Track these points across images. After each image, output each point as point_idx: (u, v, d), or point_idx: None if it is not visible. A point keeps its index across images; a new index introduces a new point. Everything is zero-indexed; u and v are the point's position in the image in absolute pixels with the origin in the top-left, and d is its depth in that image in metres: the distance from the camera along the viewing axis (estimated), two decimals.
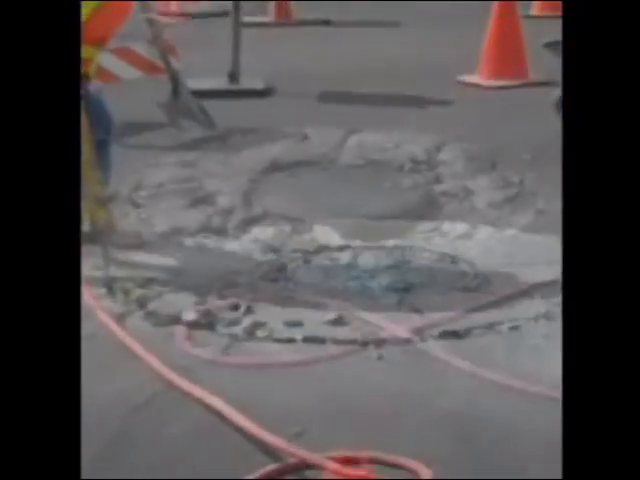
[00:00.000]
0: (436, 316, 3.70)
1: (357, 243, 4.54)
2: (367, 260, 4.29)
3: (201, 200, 4.86)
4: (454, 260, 4.37)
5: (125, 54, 5.87)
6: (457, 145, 5.60)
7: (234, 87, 7.18)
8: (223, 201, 4.80)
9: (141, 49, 5.87)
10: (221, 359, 3.39)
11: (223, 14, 8.49)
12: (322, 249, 4.47)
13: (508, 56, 7.17)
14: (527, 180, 5.18)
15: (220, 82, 7.16)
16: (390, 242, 4.58)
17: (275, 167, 5.30)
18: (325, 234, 4.54)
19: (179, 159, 5.31)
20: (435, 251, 4.44)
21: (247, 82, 7.26)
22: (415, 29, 9.62)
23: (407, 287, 4.01)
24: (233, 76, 7.21)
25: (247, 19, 8.16)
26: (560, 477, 2.10)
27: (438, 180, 5.27)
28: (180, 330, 3.59)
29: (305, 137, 5.77)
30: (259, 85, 7.27)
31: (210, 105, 5.99)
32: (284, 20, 10.56)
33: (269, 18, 10.66)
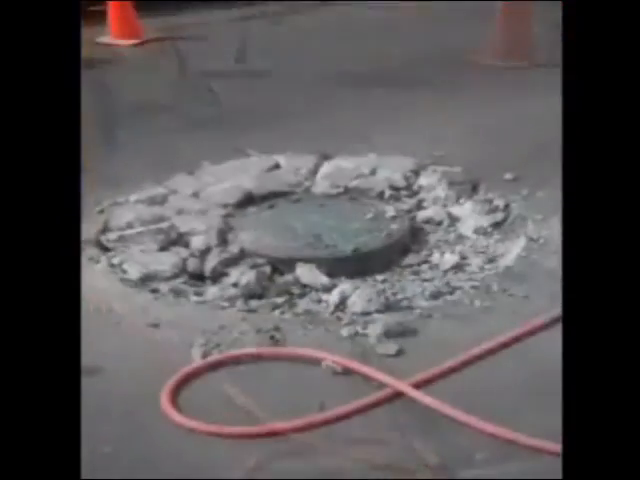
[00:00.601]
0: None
1: (343, 281, 4.34)
2: (357, 300, 4.08)
3: (173, 242, 4.61)
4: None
5: None
6: (436, 168, 5.39)
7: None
8: (197, 242, 4.57)
9: None
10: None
11: None
12: (307, 291, 4.27)
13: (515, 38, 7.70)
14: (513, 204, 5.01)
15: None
16: (379, 277, 4.39)
17: (249, 200, 5.07)
18: (309, 273, 4.34)
19: (145, 195, 5.05)
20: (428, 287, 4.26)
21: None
22: None
23: (405, 331, 3.81)
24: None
25: None
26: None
27: (420, 207, 5.08)
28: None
29: (276, 165, 5.54)
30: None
31: None
32: None
33: None
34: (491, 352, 3.62)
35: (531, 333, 3.66)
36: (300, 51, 8.08)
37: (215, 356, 3.68)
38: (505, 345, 3.66)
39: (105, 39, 8.56)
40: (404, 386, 3.41)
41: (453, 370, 3.55)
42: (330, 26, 8.88)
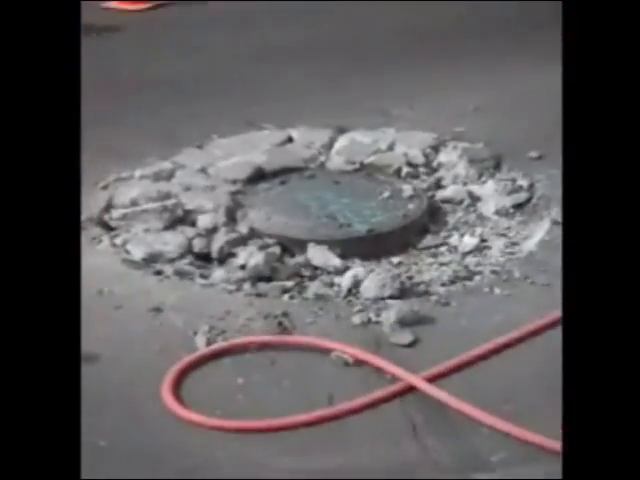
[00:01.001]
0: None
1: (357, 263, 4.20)
2: (370, 285, 3.94)
3: (180, 220, 4.47)
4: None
5: None
6: (457, 144, 5.23)
7: None
8: (204, 220, 4.43)
9: None
10: None
11: None
12: (318, 273, 4.13)
13: None
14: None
15: None
16: (394, 260, 4.25)
17: (260, 175, 4.92)
18: (321, 254, 4.20)
19: (151, 171, 4.91)
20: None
21: None
22: None
23: (420, 319, 3.67)
24: None
25: None
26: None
27: (439, 185, 4.93)
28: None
29: (289, 139, 5.38)
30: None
31: None
32: None
33: None
34: (511, 344, 3.48)
35: (553, 325, 3.51)
36: (313, 20, 7.89)
37: (220, 344, 3.56)
38: (526, 337, 3.52)
39: (112, 4, 8.35)
40: (417, 380, 3.28)
41: (470, 363, 3.42)
42: None
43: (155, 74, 6.54)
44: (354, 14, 7.89)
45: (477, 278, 4.10)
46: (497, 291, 3.92)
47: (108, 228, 4.51)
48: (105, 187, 4.88)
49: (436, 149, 5.24)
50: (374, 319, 3.72)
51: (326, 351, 3.49)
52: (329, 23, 7.71)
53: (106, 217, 4.57)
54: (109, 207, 4.66)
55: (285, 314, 3.74)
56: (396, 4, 7.91)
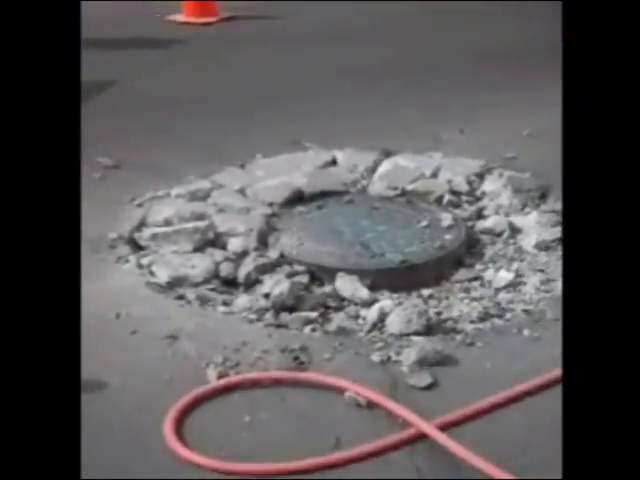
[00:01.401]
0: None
1: (385, 295, 4.02)
2: (396, 319, 3.75)
3: (210, 242, 4.33)
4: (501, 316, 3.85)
5: None
6: (503, 172, 5.01)
7: None
8: (235, 244, 4.28)
9: None
10: None
11: None
12: (344, 305, 3.96)
13: None
14: None
15: None
16: (425, 292, 4.06)
17: (297, 198, 4.76)
18: (349, 285, 4.02)
19: (188, 190, 4.78)
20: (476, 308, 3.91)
21: None
22: None
23: (442, 360, 3.47)
24: None
25: None
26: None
27: (481, 215, 4.71)
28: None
29: (334, 161, 5.21)
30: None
31: None
32: None
33: None
34: (532, 393, 3.25)
35: None
36: (368, 39, 7.72)
37: (230, 378, 3.40)
38: (548, 385, 3.29)
39: (177, 17, 8.29)
40: (429, 427, 3.08)
41: (487, 411, 3.21)
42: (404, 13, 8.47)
43: (206, 90, 6.47)
44: (408, 34, 7.73)
45: (508, 316, 3.88)
46: (526, 333, 3.70)
47: (137, 247, 4.38)
48: (140, 205, 4.76)
49: (481, 177, 5.02)
50: (394, 358, 3.53)
51: (339, 390, 3.30)
52: (382, 43, 7.55)
53: (137, 236, 4.43)
54: (141, 226, 4.53)
55: (303, 348, 3.57)
56: (451, 26, 7.75)
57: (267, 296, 3.96)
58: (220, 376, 3.41)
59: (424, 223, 4.52)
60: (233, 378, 3.38)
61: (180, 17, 8.25)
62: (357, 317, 3.89)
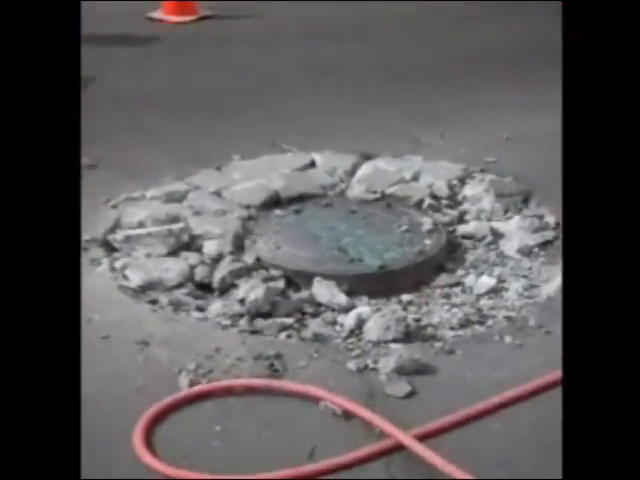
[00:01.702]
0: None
1: (363, 301, 3.94)
2: (374, 326, 3.67)
3: (185, 246, 4.24)
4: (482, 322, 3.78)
5: None
6: (484, 177, 4.94)
7: None
8: (210, 247, 4.19)
9: None
10: None
11: None
12: (321, 311, 3.87)
13: None
14: None
15: None
16: (404, 298, 3.98)
17: (274, 201, 4.67)
18: (326, 290, 3.94)
19: (164, 191, 4.68)
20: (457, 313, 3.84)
21: None
22: None
23: (420, 369, 3.39)
24: None
25: None
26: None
27: (462, 220, 4.64)
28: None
29: (312, 163, 5.13)
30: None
31: None
32: None
33: None
34: (512, 402, 3.17)
35: (558, 383, 3.20)
36: (347, 40, 7.64)
37: (202, 386, 3.31)
38: (531, 394, 3.21)
39: (156, 14, 8.21)
40: (407, 438, 3.00)
41: (466, 421, 3.13)
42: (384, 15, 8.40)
43: (184, 89, 6.37)
44: (390, 35, 7.66)
45: (489, 323, 3.81)
46: (508, 340, 3.63)
47: (111, 250, 4.28)
48: (115, 206, 4.66)
49: (463, 181, 4.95)
50: (371, 365, 3.45)
51: (315, 399, 3.21)
52: (363, 44, 7.48)
53: (110, 238, 4.34)
54: (115, 227, 4.44)
55: (278, 355, 3.49)
56: (433, 28, 7.68)
57: (242, 301, 3.88)
58: (192, 383, 3.33)
59: (404, 227, 4.45)
60: (205, 386, 3.30)
61: (159, 14, 8.16)
62: (334, 323, 3.82)
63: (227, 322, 3.75)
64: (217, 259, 4.17)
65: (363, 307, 3.86)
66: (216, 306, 3.84)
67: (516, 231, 4.48)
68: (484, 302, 3.99)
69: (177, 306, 3.84)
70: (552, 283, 4.04)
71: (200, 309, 3.86)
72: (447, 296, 4.05)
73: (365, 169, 5.05)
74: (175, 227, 4.34)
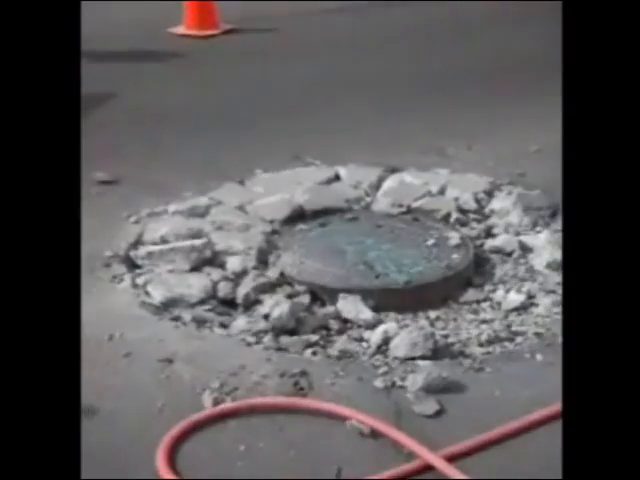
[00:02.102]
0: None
1: (390, 317, 3.89)
2: (400, 343, 3.61)
3: (208, 261, 4.20)
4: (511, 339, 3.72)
5: None
6: (512, 189, 4.88)
7: None
8: (233, 263, 4.14)
9: None
10: None
11: None
12: (347, 327, 3.83)
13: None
14: None
15: None
16: (431, 314, 3.92)
17: (299, 215, 4.63)
18: (352, 306, 3.89)
19: (186, 206, 4.65)
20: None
21: None
22: None
23: (449, 387, 3.33)
24: None
25: None
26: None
27: (490, 234, 4.58)
28: None
29: (336, 176, 5.09)
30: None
31: None
32: None
33: None
34: (546, 421, 3.11)
35: None
36: (373, 52, 7.59)
37: (227, 404, 3.26)
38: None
39: (178, 29, 8.20)
40: (435, 459, 2.94)
41: (497, 441, 3.06)
42: (408, 25, 8.36)
43: (206, 103, 6.36)
44: (415, 46, 7.61)
45: (518, 339, 3.75)
46: (538, 357, 3.57)
47: (133, 266, 4.25)
48: (137, 222, 4.63)
49: (490, 194, 4.89)
50: (399, 383, 3.40)
51: (341, 418, 3.16)
52: (387, 55, 7.44)
53: (132, 254, 4.30)
54: (137, 243, 4.41)
55: (303, 373, 3.44)
56: (460, 37, 7.63)
57: (266, 317, 3.84)
58: (216, 402, 3.29)
59: (431, 242, 4.40)
60: (229, 404, 3.25)
61: (181, 29, 8.15)
62: (360, 340, 3.77)
63: (251, 339, 3.70)
64: (240, 275, 4.13)
65: (390, 323, 3.82)
66: (240, 323, 3.80)
67: (545, 245, 4.41)
68: (513, 318, 3.93)
69: (200, 323, 3.80)
70: None
71: (224, 326, 3.82)
72: (475, 312, 3.99)
73: (390, 182, 5.00)
74: (198, 242, 4.30)
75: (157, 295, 3.97)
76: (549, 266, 4.28)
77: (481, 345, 3.72)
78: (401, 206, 4.76)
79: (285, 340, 3.72)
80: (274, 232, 4.52)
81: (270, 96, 6.54)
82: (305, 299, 3.98)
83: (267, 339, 3.71)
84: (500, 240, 4.50)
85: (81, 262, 3.77)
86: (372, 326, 3.82)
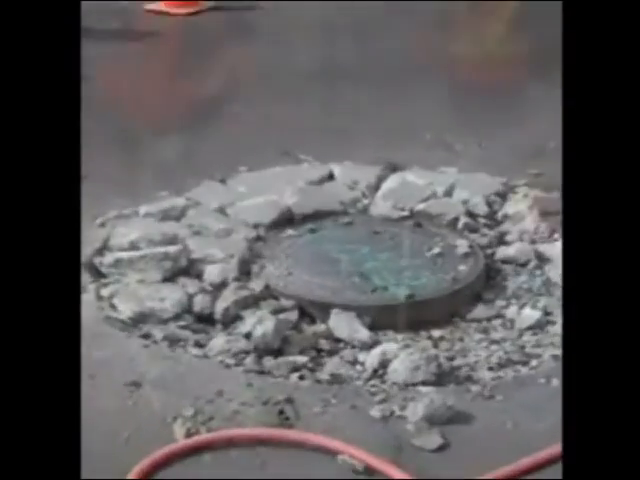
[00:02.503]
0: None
1: (389, 336, 3.89)
2: (400, 366, 3.62)
3: (183, 271, 4.19)
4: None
5: None
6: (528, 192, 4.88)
7: None
8: (212, 273, 4.14)
9: None
10: None
11: None
12: (339, 347, 3.83)
13: None
14: None
15: None
16: (435, 333, 3.93)
17: (286, 220, 4.62)
18: (346, 323, 3.90)
19: (159, 208, 4.64)
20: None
21: None
22: None
23: (454, 417, 3.32)
24: None
25: None
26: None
27: (502, 242, 4.58)
28: None
29: (330, 175, 5.08)
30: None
31: None
32: None
33: None
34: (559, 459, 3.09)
35: None
36: (371, 36, 7.61)
37: (202, 436, 3.25)
38: None
39: (155, 6, 8.23)
40: None
41: None
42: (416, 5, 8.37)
43: (186, 89, 6.34)
44: (420, 30, 7.63)
45: (533, 363, 3.78)
46: (555, 383, 3.57)
47: (98, 275, 4.25)
48: (103, 224, 4.63)
49: (503, 197, 4.91)
50: (398, 413, 3.41)
51: (332, 453, 3.15)
52: (388, 39, 7.44)
53: (97, 261, 4.30)
54: (103, 249, 4.40)
55: (289, 400, 3.43)
56: (467, 24, 7.65)
57: (248, 336, 3.83)
58: (189, 433, 3.27)
59: (435, 251, 4.41)
60: (204, 436, 3.23)
61: (159, 6, 8.19)
62: (354, 363, 3.77)
63: (231, 360, 3.71)
64: (220, 287, 4.14)
65: (388, 344, 3.83)
66: (218, 342, 3.81)
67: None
68: (527, 338, 3.94)
69: (173, 342, 3.81)
70: None
71: (200, 345, 3.81)
72: (485, 331, 4.01)
73: (391, 182, 5.01)
74: (172, 249, 4.30)
75: (125, 309, 3.97)
76: None
77: (491, 369, 3.73)
78: (402, 210, 4.79)
79: (269, 362, 3.72)
80: (258, 238, 4.53)
81: (256, 83, 6.53)
82: (292, 315, 3.98)
83: (249, 361, 3.72)
84: (514, 249, 4.52)
85: None
86: (368, 347, 3.83)
